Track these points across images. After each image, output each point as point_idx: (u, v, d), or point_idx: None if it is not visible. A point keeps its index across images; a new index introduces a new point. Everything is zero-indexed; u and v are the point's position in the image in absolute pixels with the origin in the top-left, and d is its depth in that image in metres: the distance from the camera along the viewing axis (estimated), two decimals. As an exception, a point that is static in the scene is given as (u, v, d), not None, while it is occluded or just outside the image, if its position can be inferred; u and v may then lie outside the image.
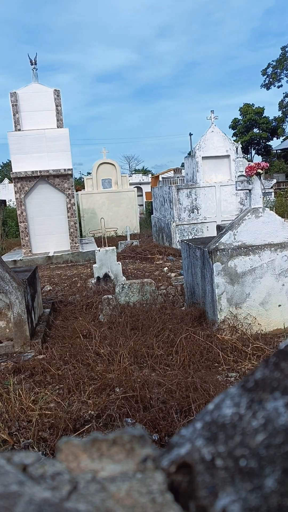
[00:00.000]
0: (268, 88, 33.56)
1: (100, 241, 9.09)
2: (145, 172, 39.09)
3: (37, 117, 8.95)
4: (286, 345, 0.43)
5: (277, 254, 3.24)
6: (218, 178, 8.85)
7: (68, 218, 9.22)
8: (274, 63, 32.46)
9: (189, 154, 9.44)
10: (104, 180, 13.80)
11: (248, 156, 32.63)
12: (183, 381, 2.46)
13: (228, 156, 8.77)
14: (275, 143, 33.16)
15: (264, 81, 33.52)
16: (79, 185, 19.70)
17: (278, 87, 33.15)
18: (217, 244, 3.24)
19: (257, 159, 33.17)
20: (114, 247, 5.74)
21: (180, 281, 5.35)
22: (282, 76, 32.71)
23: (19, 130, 8.86)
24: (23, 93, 8.85)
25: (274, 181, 3.88)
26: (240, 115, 33.02)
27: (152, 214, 10.93)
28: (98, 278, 5.49)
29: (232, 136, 31.92)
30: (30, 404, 2.31)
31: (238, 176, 3.53)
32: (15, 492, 0.33)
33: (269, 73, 32.92)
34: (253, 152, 34.09)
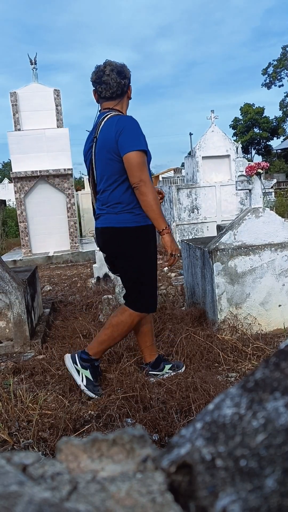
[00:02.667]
0: (269, 88, 33.55)
1: (100, 241, 9.08)
2: (145, 172, 39.01)
3: (37, 117, 8.95)
4: (286, 345, 0.43)
5: (277, 254, 3.24)
6: (218, 178, 8.84)
7: (68, 218, 9.22)
8: (275, 63, 32.43)
9: (189, 154, 9.44)
10: (104, 180, 13.78)
11: (248, 156, 32.63)
12: (183, 381, 2.46)
13: (228, 156, 8.77)
14: (276, 143, 33.17)
15: (265, 80, 33.51)
16: (79, 185, 19.70)
17: (279, 86, 33.15)
18: (217, 244, 3.24)
19: (257, 158, 33.17)
20: (114, 247, 5.73)
21: (180, 281, 5.35)
22: (283, 76, 32.69)
23: (19, 130, 8.86)
24: (23, 92, 8.85)
25: (275, 181, 3.89)
26: (240, 114, 33.01)
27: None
28: (98, 278, 5.49)
29: (233, 136, 31.93)
30: (30, 404, 2.31)
31: (238, 176, 3.54)
32: (15, 492, 0.33)
33: (270, 73, 32.90)
34: (253, 151, 34.09)
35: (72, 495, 0.33)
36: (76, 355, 2.49)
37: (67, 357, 2.50)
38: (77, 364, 2.46)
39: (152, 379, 2.58)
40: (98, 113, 2.49)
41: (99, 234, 2.49)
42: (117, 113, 2.38)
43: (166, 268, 6.60)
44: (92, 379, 2.44)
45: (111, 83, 2.38)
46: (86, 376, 2.44)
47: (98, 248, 5.56)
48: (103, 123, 2.35)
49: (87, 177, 2.60)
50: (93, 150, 2.43)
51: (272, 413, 0.36)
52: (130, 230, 2.35)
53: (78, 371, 2.45)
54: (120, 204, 2.35)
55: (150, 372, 2.63)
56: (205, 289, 3.47)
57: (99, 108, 2.51)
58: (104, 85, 2.39)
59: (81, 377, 2.44)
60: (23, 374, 2.80)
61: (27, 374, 2.80)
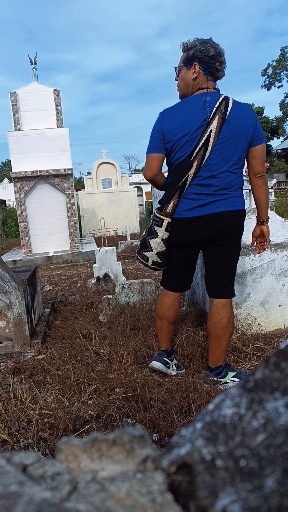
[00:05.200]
0: (268, 89, 33.54)
1: (100, 241, 9.10)
2: (145, 172, 38.99)
3: (37, 117, 8.95)
4: (286, 345, 0.43)
5: (278, 254, 3.24)
6: (218, 178, 8.84)
7: (68, 218, 9.22)
8: (274, 64, 32.42)
9: (189, 154, 9.37)
10: (104, 180, 13.80)
11: (248, 156, 32.55)
12: (183, 381, 2.46)
13: (228, 156, 8.76)
14: (276, 143, 33.17)
15: (265, 81, 33.50)
16: (79, 185, 19.71)
17: (279, 87, 33.13)
18: (217, 244, 3.24)
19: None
20: (114, 247, 5.74)
21: (180, 281, 5.34)
22: (282, 76, 32.68)
23: (19, 130, 8.86)
24: (23, 92, 8.85)
25: (275, 181, 3.89)
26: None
27: (152, 214, 10.92)
28: (98, 278, 5.49)
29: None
30: (30, 404, 2.31)
31: (238, 176, 3.53)
32: (15, 492, 0.33)
33: (269, 74, 32.89)
34: (253, 152, 34.04)
35: (72, 495, 0.33)
36: (216, 376, 2.55)
37: (219, 379, 2.56)
38: (223, 378, 2.54)
39: (163, 367, 2.67)
40: (205, 91, 2.33)
41: (222, 218, 2.34)
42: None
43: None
44: (238, 374, 2.56)
45: (225, 65, 2.38)
46: (232, 379, 2.54)
47: (98, 248, 5.56)
48: (231, 105, 2.28)
49: (180, 158, 2.34)
50: (210, 130, 2.25)
51: (272, 413, 0.36)
52: (244, 212, 2.44)
53: (227, 382, 2.53)
54: (240, 189, 2.42)
55: (164, 358, 2.70)
56: (205, 289, 3.47)
57: (205, 86, 2.34)
58: (223, 65, 2.36)
59: (231, 382, 2.54)
60: (23, 374, 2.80)
61: (27, 374, 2.80)
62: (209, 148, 2.26)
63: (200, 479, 0.34)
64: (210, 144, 2.25)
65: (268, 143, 33.70)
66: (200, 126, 2.26)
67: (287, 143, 30.65)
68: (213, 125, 2.24)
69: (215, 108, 2.25)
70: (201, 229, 2.38)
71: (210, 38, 2.39)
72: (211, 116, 2.25)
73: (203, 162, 2.29)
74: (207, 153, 2.27)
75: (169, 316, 2.66)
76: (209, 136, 2.25)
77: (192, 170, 2.31)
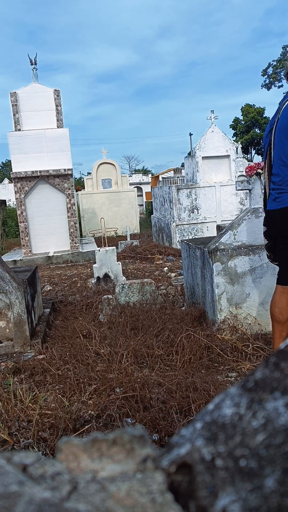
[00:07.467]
0: (268, 89, 33.48)
1: (100, 241, 9.09)
2: (145, 172, 39.10)
3: (37, 117, 8.95)
4: (286, 345, 0.43)
5: (277, 254, 3.24)
6: (218, 178, 8.84)
7: (68, 218, 9.22)
8: (275, 63, 32.37)
9: (189, 154, 9.44)
10: (104, 180, 13.80)
11: (248, 156, 32.61)
12: (183, 381, 2.46)
13: (228, 156, 8.77)
14: (275, 143, 33.11)
15: (265, 81, 33.46)
16: (79, 185, 19.71)
17: (279, 87, 33.08)
18: (217, 244, 3.24)
19: (257, 159, 33.12)
20: (114, 247, 5.74)
21: (180, 281, 5.35)
22: (282, 76, 32.60)
23: (19, 130, 8.86)
24: (23, 93, 8.85)
25: (274, 181, 3.86)
26: (241, 115, 32.98)
27: (152, 214, 10.93)
28: (98, 278, 5.49)
29: (233, 136, 31.95)
30: (30, 404, 2.31)
31: (238, 176, 3.54)
32: (15, 492, 0.33)
33: (270, 73, 32.85)
34: (253, 152, 34.08)
35: (72, 495, 0.33)
36: None
37: None
38: None
39: None
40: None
41: (276, 215, 2.45)
42: None
43: (166, 268, 6.61)
44: None
45: (286, 63, 2.44)
46: None
47: (98, 248, 5.56)
48: (285, 105, 2.37)
49: (263, 159, 2.59)
50: (273, 132, 2.43)
51: (272, 413, 0.36)
52: None
53: None
54: None
55: None
56: (205, 289, 3.47)
57: None
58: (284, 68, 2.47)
59: None
60: (23, 374, 2.80)
61: (27, 374, 2.80)
62: (272, 145, 2.43)
63: (200, 479, 0.34)
64: (272, 141, 2.43)
65: (268, 143, 33.62)
66: (270, 130, 2.48)
67: (287, 143, 30.63)
68: (275, 127, 2.42)
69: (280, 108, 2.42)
70: (269, 223, 2.57)
71: None
72: (278, 118, 2.42)
73: (271, 159, 2.46)
74: (272, 150, 2.44)
75: None
76: (272, 137, 2.45)
77: (266, 167, 2.52)
